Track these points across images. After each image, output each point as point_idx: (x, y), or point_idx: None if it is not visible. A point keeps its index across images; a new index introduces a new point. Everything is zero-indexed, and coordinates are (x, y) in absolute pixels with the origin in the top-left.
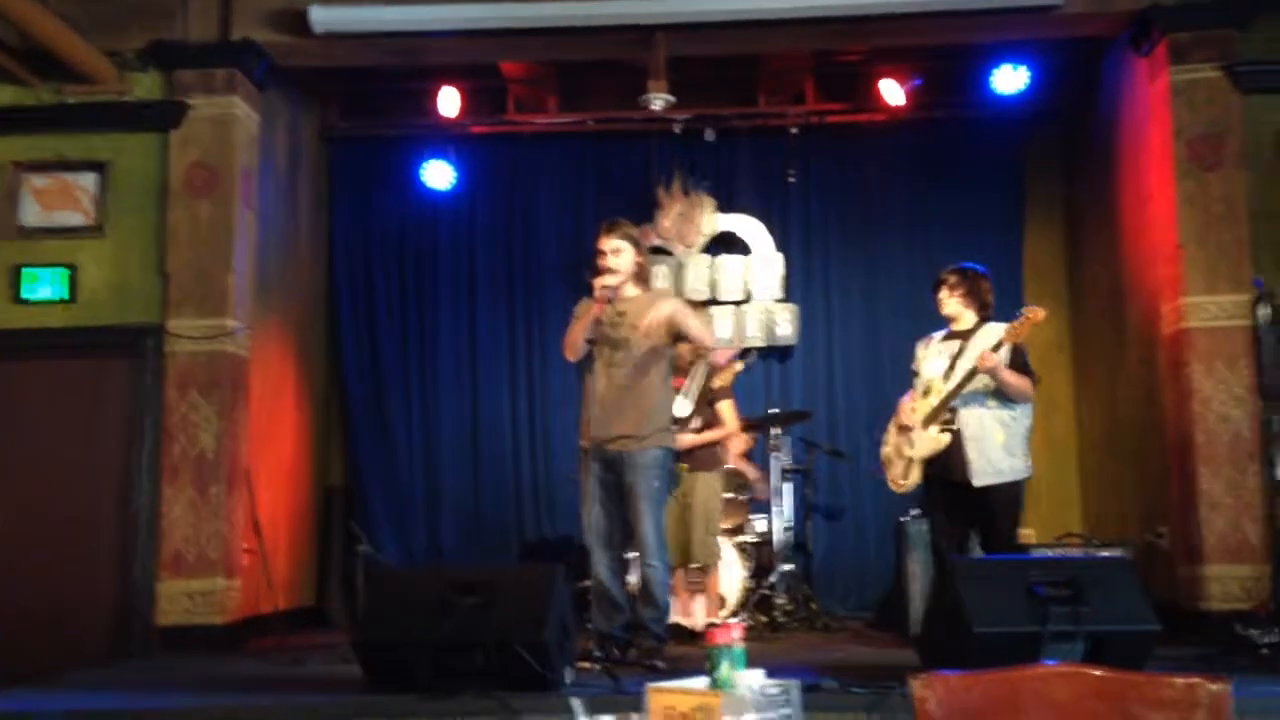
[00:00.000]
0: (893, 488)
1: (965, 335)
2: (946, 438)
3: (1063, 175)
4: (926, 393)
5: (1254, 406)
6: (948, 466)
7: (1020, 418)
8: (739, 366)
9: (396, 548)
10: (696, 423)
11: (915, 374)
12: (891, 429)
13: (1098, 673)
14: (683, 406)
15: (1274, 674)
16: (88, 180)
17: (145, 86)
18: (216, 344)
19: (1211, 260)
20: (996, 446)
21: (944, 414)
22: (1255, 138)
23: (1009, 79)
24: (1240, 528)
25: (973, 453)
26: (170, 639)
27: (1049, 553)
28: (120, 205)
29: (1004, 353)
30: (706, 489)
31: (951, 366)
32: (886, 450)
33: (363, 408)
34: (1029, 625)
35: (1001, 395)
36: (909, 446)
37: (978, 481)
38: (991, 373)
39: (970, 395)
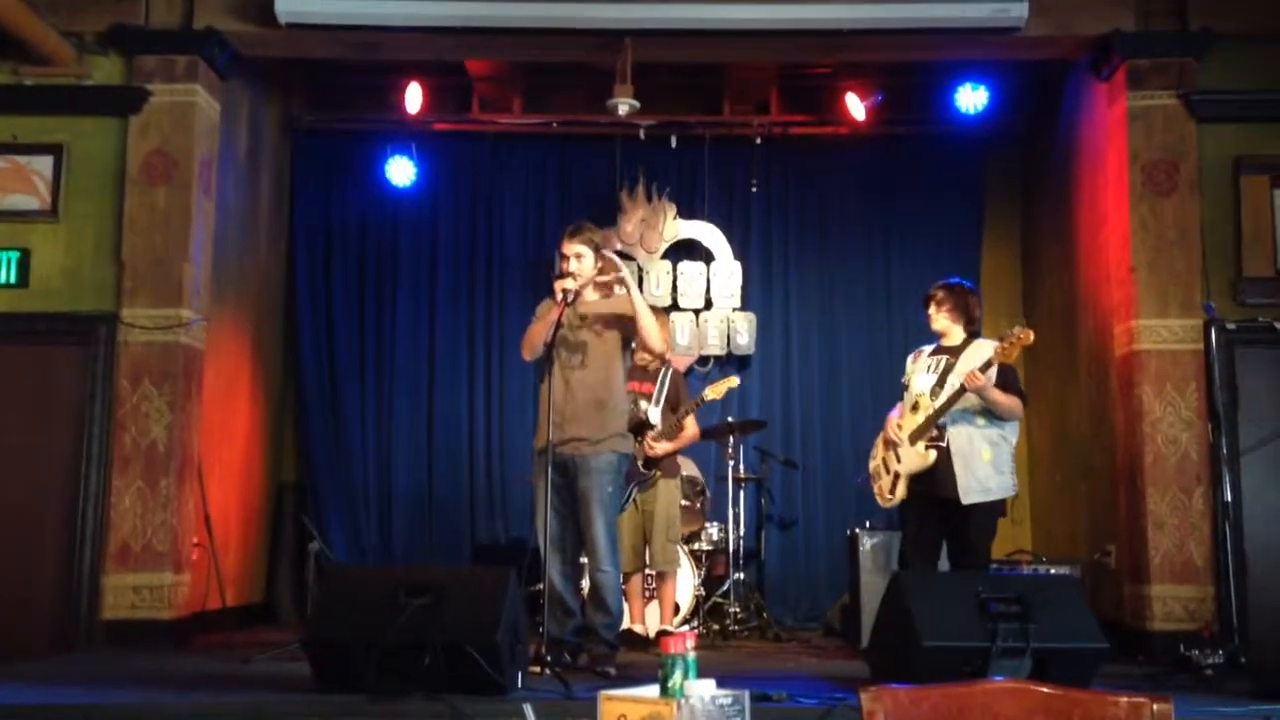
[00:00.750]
0: (879, 502)
1: (954, 351)
2: (933, 455)
3: (1021, 194)
4: (915, 408)
5: (1202, 429)
6: (935, 483)
7: (1008, 435)
8: (734, 383)
9: (348, 546)
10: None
11: (905, 387)
12: (879, 443)
13: (1044, 689)
14: (655, 414)
15: (1216, 695)
16: (43, 164)
17: (105, 71)
18: (171, 334)
19: (1163, 284)
20: (984, 464)
21: (931, 430)
22: (1209, 165)
23: (970, 97)
24: (1185, 549)
25: (960, 470)
26: (115, 633)
27: (999, 569)
28: (76, 190)
29: (992, 372)
30: (667, 495)
31: (940, 383)
32: (874, 464)
33: (317, 403)
34: (978, 640)
35: (990, 413)
36: (896, 461)
37: (965, 499)
38: (979, 392)
39: (958, 413)
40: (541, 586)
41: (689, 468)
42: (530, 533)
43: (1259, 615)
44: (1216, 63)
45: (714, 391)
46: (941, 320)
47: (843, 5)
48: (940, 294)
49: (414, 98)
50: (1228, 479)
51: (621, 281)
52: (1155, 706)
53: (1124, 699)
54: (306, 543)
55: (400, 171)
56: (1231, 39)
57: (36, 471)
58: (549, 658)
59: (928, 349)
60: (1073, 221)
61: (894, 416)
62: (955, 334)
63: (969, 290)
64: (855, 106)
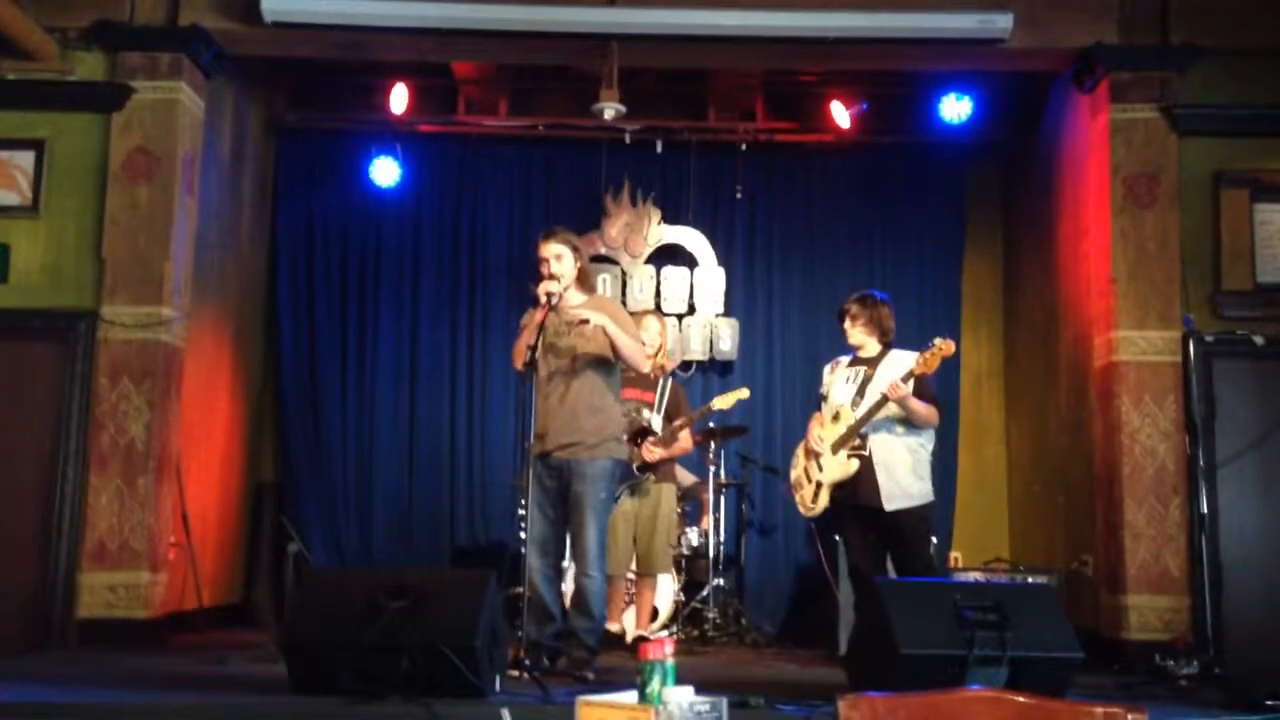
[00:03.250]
0: (801, 511)
1: (871, 362)
2: (855, 463)
3: (1002, 204)
4: (836, 418)
5: (1180, 441)
6: (856, 491)
7: (925, 444)
8: (745, 394)
9: (326, 547)
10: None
11: (823, 398)
12: (800, 453)
13: (1020, 699)
14: (657, 422)
15: (1191, 705)
16: (24, 159)
17: (88, 66)
18: (151, 332)
19: (1143, 296)
20: (906, 471)
21: (853, 440)
22: (1189, 178)
23: (954, 108)
24: (1161, 559)
25: (883, 477)
26: (90, 632)
27: (976, 577)
28: (57, 186)
29: (910, 382)
30: (669, 500)
31: (860, 393)
32: (796, 474)
33: (298, 404)
34: (955, 648)
35: (908, 422)
36: (818, 471)
37: (889, 505)
38: (901, 402)
39: (879, 422)
40: (520, 590)
41: (686, 477)
42: (510, 535)
43: (1234, 626)
44: (1198, 77)
45: (722, 402)
46: (857, 334)
47: (829, 14)
48: (854, 308)
49: (399, 99)
50: (1204, 490)
51: (588, 321)
52: (1130, 717)
53: (1099, 709)
54: (285, 543)
55: (384, 172)
56: (1213, 53)
57: (13, 468)
58: (528, 662)
59: (845, 360)
60: (1054, 232)
61: (814, 427)
62: (871, 346)
63: (881, 302)
64: (840, 115)
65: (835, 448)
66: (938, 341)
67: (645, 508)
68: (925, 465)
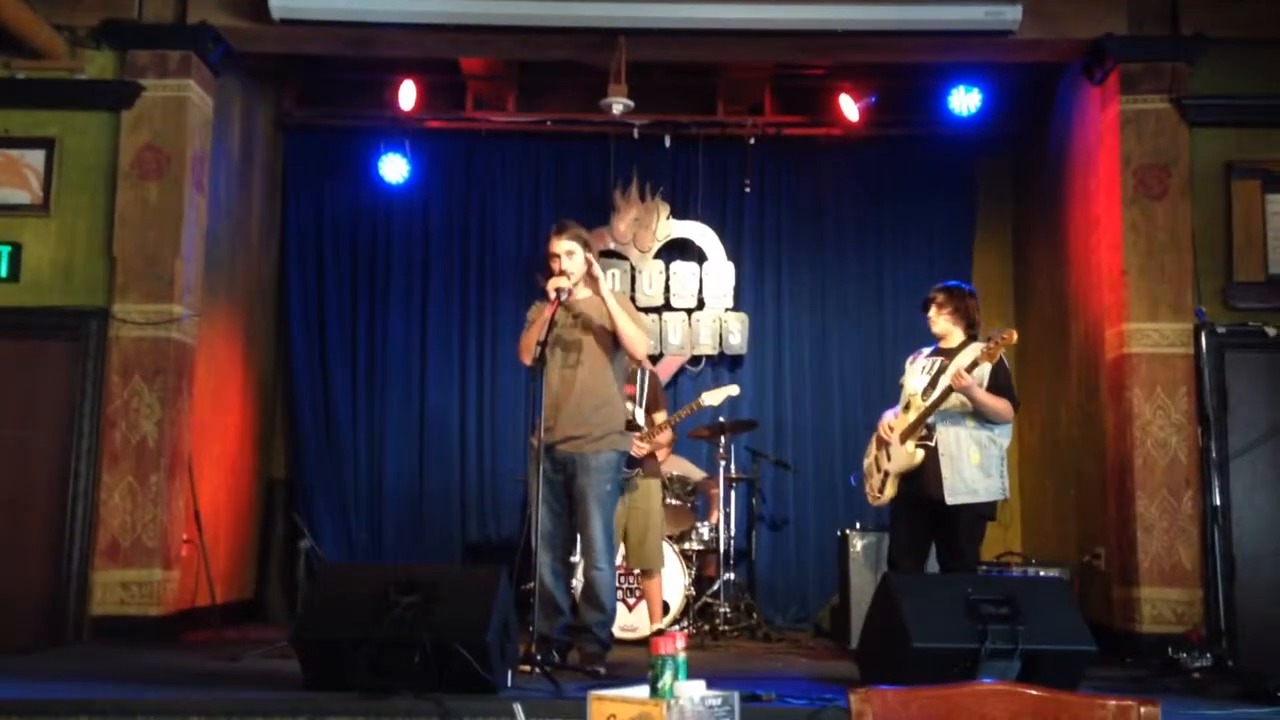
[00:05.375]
0: (870, 500)
1: (950, 353)
2: (920, 454)
3: (1013, 196)
4: (907, 407)
5: (1191, 433)
6: (921, 482)
7: (998, 438)
8: (734, 391)
9: (338, 543)
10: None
11: (903, 388)
12: (872, 442)
13: (1033, 692)
14: (640, 416)
15: (1204, 697)
16: (35, 158)
17: (98, 65)
18: (162, 330)
19: (1154, 288)
20: (972, 466)
21: (920, 430)
22: (1201, 170)
23: (963, 100)
24: (1174, 552)
25: (947, 470)
26: (103, 629)
27: (988, 571)
28: (68, 184)
29: (981, 373)
30: (657, 495)
31: (933, 383)
32: (867, 463)
33: (308, 400)
34: (967, 642)
35: (979, 415)
36: (886, 460)
37: (951, 499)
38: (965, 391)
39: (948, 413)
40: (532, 585)
41: (682, 467)
42: (521, 530)
43: (1247, 618)
44: (1208, 67)
45: (712, 398)
46: (942, 323)
47: (837, 6)
48: (941, 296)
49: (407, 95)
50: (1217, 483)
51: (599, 293)
52: (1142, 709)
53: (1111, 702)
54: (297, 540)
55: (393, 169)
56: (1223, 44)
57: (26, 466)
58: (539, 656)
59: (926, 351)
60: (1064, 224)
61: (889, 416)
62: (955, 336)
63: (969, 293)
64: (849, 108)
65: (903, 437)
66: (1002, 331)
67: (635, 504)
68: (995, 461)
